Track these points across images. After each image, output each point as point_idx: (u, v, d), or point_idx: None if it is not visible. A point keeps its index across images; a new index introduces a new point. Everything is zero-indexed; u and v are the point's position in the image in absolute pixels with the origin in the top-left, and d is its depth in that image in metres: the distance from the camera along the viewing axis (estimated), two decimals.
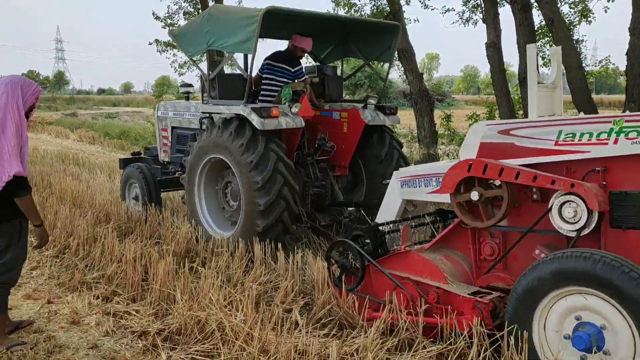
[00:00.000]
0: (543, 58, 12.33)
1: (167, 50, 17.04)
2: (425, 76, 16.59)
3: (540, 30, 11.68)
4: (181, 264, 4.56)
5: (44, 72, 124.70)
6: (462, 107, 39.74)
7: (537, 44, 11.33)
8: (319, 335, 3.42)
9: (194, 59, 6.45)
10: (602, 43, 40.65)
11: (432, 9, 13.93)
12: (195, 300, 3.90)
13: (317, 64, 7.03)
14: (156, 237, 5.92)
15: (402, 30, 12.00)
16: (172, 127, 7.21)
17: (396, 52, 9.04)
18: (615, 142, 3.00)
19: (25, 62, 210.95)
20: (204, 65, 6.03)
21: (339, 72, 7.08)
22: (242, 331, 3.39)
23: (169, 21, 16.21)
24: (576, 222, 3.03)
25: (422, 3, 13.26)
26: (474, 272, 3.63)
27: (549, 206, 3.13)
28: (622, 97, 16.99)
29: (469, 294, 3.29)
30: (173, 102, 7.67)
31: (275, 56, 6.34)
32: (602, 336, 2.72)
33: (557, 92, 4.12)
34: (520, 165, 3.30)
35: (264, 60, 6.37)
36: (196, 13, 16.02)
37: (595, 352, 2.71)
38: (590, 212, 2.99)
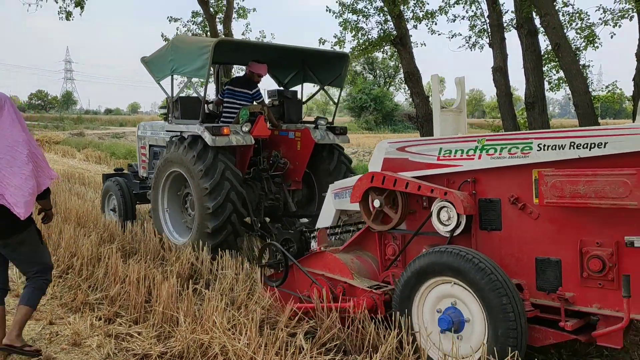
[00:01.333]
0: (549, 82, 12.35)
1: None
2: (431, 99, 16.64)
3: (546, 55, 11.72)
4: (185, 286, 4.51)
5: (52, 92, 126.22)
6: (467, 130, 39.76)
7: (544, 68, 11.36)
8: None
9: (160, 83, 6.84)
10: (607, 67, 40.82)
11: (438, 34, 14.04)
12: (198, 323, 3.83)
13: (281, 88, 7.67)
14: (160, 258, 5.89)
15: (409, 54, 12.12)
16: (150, 145, 7.74)
17: (403, 76, 9.16)
18: (479, 157, 3.63)
19: (34, 82, 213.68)
20: (169, 88, 6.56)
21: (300, 96, 7.64)
22: (246, 355, 3.32)
23: None
24: (449, 225, 3.66)
25: (428, 28, 13.34)
26: (380, 270, 4.23)
27: (430, 211, 3.77)
28: (628, 121, 17.00)
29: (367, 287, 3.92)
30: (151, 123, 8.24)
31: (235, 81, 7.03)
32: (461, 318, 3.36)
33: (462, 116, 4.73)
34: (412, 177, 3.91)
35: (224, 85, 7.03)
36: (204, 35, 16.21)
37: (455, 331, 3.34)
38: (459, 215, 3.60)
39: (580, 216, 3.21)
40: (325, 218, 4.98)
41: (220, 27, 15.69)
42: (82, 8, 14.62)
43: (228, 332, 3.60)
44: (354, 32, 13.06)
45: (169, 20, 16.40)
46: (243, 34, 17.55)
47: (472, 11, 13.18)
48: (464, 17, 13.50)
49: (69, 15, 14.20)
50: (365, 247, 4.41)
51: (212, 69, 5.93)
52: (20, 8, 33.00)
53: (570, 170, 3.13)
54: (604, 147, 3.10)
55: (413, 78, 11.96)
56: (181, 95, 6.87)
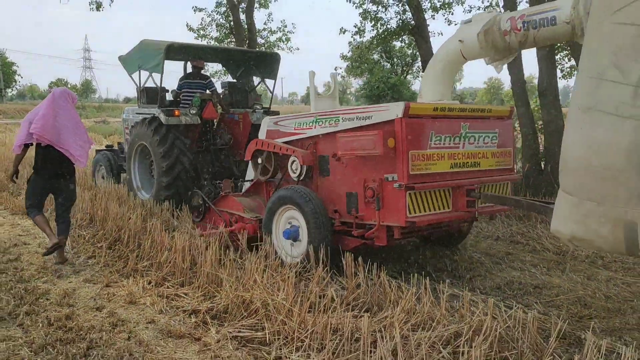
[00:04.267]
0: (562, 70, 12.62)
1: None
2: None
3: (559, 45, 12.01)
4: (225, 253, 5.06)
5: (72, 81, 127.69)
6: None
7: (557, 57, 11.65)
8: (351, 315, 3.86)
9: (132, 76, 8.72)
10: None
11: (455, 24, 14.35)
12: (240, 282, 4.39)
13: (234, 80, 9.58)
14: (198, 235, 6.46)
15: (427, 44, 12.48)
16: (131, 126, 9.06)
17: (420, 64, 9.64)
18: (315, 127, 5.47)
19: (54, 70, 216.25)
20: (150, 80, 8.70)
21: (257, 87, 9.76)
22: (284, 308, 3.87)
23: (202, 32, 16.97)
24: (297, 172, 5.54)
25: (445, 18, 13.66)
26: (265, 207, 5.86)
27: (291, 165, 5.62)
28: None
29: (250, 217, 6.01)
30: (132, 107, 9.87)
31: (190, 75, 8.87)
32: (297, 231, 5.36)
33: (335, 102, 6.42)
34: (282, 142, 5.74)
35: (180, 80, 8.79)
36: (227, 25, 16.70)
37: (293, 240, 5.39)
38: (302, 166, 5.44)
39: (364, 163, 4.98)
40: (249, 174, 6.60)
41: (243, 16, 16.17)
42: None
43: (268, 289, 4.15)
44: (373, 22, 13.43)
45: (194, 10, 16.89)
46: (265, 23, 18.12)
47: (488, 1, 13.48)
48: (479, 7, 13.80)
49: (99, 6, 14.77)
50: (257, 192, 6.37)
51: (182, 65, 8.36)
52: None
53: (350, 133, 4.99)
54: (371, 118, 4.90)
55: None
56: (146, 86, 8.71)
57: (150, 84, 8.64)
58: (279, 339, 3.72)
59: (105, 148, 10.42)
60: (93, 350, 3.69)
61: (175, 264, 5.10)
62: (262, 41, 17.48)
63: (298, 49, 19.62)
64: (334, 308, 3.86)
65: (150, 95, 8.71)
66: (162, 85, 8.27)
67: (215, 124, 8.61)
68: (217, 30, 16.84)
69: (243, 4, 16.19)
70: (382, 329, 3.56)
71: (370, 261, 4.69)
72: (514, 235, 7.06)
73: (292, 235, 5.39)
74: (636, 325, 4.16)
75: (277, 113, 8.15)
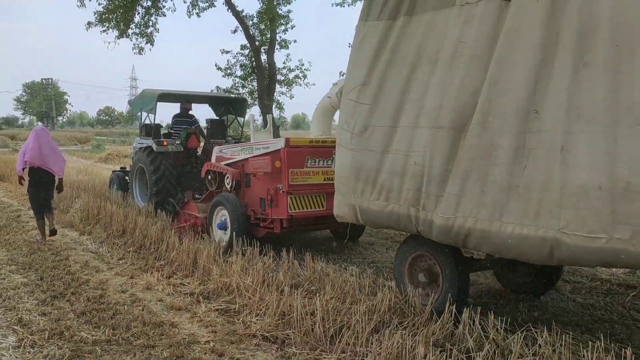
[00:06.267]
0: None
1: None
2: None
3: None
4: (217, 254, 6.65)
5: (118, 108, 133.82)
6: None
7: None
8: (297, 293, 5.34)
9: (137, 115, 11.76)
10: None
11: None
12: (225, 273, 5.96)
13: (216, 117, 11.92)
14: (201, 239, 8.09)
15: None
16: (134, 153, 11.74)
17: None
18: (241, 154, 7.93)
19: (102, 99, 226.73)
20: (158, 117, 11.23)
21: (226, 122, 12.32)
22: (250, 288, 5.40)
23: (228, 71, 18.93)
24: (230, 185, 7.88)
25: None
26: None
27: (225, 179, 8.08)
28: None
29: (201, 216, 8.58)
30: (138, 139, 12.17)
31: (179, 115, 11.29)
32: (226, 223, 7.64)
33: (270, 135, 9.12)
34: (224, 164, 8.21)
35: (173, 117, 11.28)
36: (250, 65, 18.63)
37: (224, 229, 7.71)
38: (232, 180, 7.82)
39: (267, 178, 7.24)
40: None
41: (264, 56, 18.06)
42: (152, 44, 17.36)
43: (241, 276, 5.70)
44: None
45: (221, 53, 18.93)
46: (284, 62, 19.98)
47: None
48: None
49: (141, 50, 16.91)
50: (209, 199, 8.57)
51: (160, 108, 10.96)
52: (92, 34, 36.74)
53: (257, 158, 7.43)
54: (269, 148, 7.30)
55: None
56: (145, 122, 11.39)
57: (148, 121, 11.35)
58: (245, 309, 5.25)
59: (119, 169, 13.26)
60: (118, 315, 5.29)
61: (181, 261, 6.72)
62: (282, 78, 19.33)
63: (314, 84, 21.47)
64: (282, 289, 5.38)
65: (148, 129, 11.17)
66: (157, 122, 11.06)
67: (200, 151, 10.97)
68: (240, 69, 18.84)
69: (265, 46, 18.12)
70: (308, 303, 5.05)
71: (319, 256, 6.20)
72: None
73: (223, 226, 7.76)
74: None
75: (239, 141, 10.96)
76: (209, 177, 8.55)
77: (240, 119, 11.84)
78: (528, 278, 5.85)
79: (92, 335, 4.75)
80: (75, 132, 64.92)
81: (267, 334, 4.71)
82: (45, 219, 8.57)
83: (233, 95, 13.56)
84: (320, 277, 5.81)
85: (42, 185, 8.51)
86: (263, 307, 5.15)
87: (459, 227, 4.25)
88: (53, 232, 8.62)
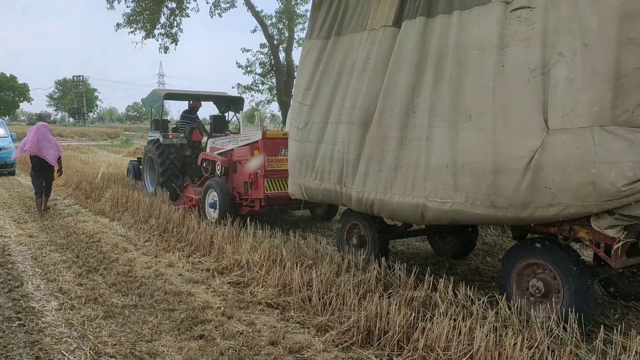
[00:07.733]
0: None
1: (247, 92, 20.72)
2: None
3: None
4: (232, 235, 7.41)
5: None
6: None
7: None
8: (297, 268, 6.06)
9: (148, 112, 14.11)
10: None
11: None
12: (237, 251, 6.71)
13: (219, 113, 13.43)
14: (217, 223, 8.87)
15: None
16: (146, 145, 13.25)
17: None
18: (229, 145, 9.64)
19: (131, 95, 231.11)
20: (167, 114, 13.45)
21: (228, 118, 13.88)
22: (258, 263, 6.14)
23: (248, 69, 19.75)
24: (220, 171, 9.54)
25: None
26: None
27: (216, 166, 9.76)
28: None
29: (196, 198, 10.14)
30: (150, 132, 13.77)
31: (186, 111, 12.70)
32: (216, 203, 9.25)
33: (257, 129, 9.54)
34: (216, 154, 9.71)
35: (182, 113, 12.74)
36: (269, 62, 19.41)
37: (214, 208, 9.32)
38: (222, 167, 9.48)
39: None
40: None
41: (283, 54, 18.83)
42: (176, 43, 18.27)
43: (250, 253, 6.45)
44: None
45: (242, 51, 19.74)
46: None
47: None
48: None
49: (166, 49, 17.83)
50: (203, 184, 9.79)
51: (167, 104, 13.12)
52: (120, 32, 38.02)
53: (241, 148, 9.02)
54: (249, 140, 8.84)
55: None
56: (154, 118, 13.05)
57: (157, 116, 12.97)
58: (253, 281, 5.99)
59: (135, 159, 15.15)
60: (143, 286, 6.08)
61: (200, 242, 7.50)
62: None
63: None
64: (285, 264, 6.11)
65: (157, 124, 12.69)
66: (165, 118, 12.93)
67: (203, 143, 12.17)
68: (259, 67, 19.65)
69: (283, 44, 18.87)
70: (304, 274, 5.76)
71: (322, 236, 6.91)
72: None
73: (213, 205, 9.32)
74: None
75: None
76: (204, 164, 10.11)
77: (239, 115, 13.27)
78: (452, 245, 7.17)
79: (122, 301, 5.55)
80: (105, 128, 66.75)
81: (270, 301, 5.44)
82: (43, 198, 10.67)
83: (233, 95, 15.30)
84: (322, 255, 6.52)
85: (40, 170, 10.45)
86: (268, 279, 5.88)
87: (366, 198, 5.70)
88: (46, 209, 10.73)
